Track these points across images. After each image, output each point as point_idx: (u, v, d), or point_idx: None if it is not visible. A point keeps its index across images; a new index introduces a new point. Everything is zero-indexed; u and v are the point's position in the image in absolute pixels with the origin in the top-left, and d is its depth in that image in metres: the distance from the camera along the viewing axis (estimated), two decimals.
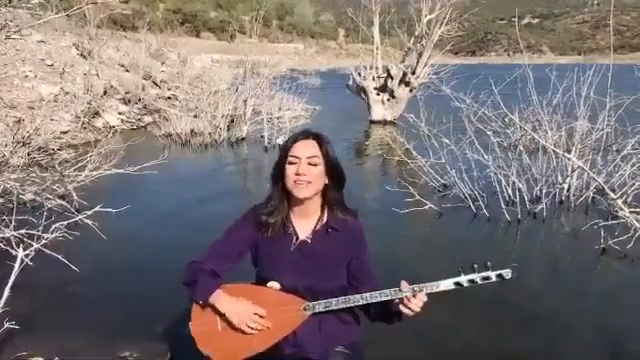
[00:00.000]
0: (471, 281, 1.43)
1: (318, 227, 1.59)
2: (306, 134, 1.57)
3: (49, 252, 3.63)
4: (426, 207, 4.98)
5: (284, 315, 1.48)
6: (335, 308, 1.48)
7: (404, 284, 1.43)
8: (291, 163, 1.52)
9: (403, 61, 12.82)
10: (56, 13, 15.90)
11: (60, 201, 4.90)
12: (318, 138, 1.56)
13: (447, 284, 1.44)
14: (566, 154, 4.58)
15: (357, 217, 1.64)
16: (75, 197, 5.00)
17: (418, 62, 12.41)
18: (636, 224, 3.88)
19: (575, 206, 5.28)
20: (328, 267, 1.56)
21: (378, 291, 1.45)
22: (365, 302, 1.46)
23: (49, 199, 4.84)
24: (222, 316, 1.49)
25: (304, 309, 1.49)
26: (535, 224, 4.87)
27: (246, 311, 1.48)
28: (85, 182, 5.39)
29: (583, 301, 3.39)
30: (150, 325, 2.91)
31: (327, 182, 1.57)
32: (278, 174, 1.56)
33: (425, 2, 12.22)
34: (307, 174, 1.49)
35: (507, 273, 1.43)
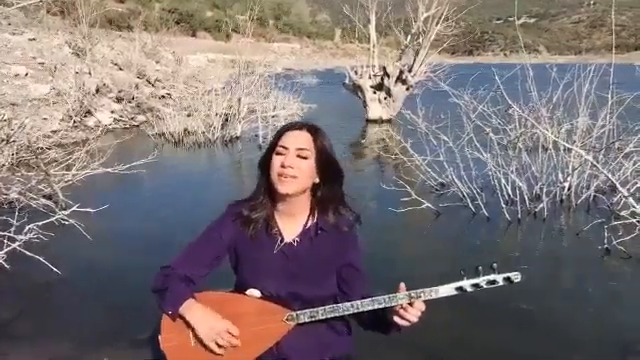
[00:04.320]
0: (475, 285, 1.27)
1: (306, 228, 1.43)
2: (300, 124, 1.42)
3: (31, 254, 3.50)
4: (423, 206, 4.84)
5: (265, 326, 1.32)
6: (322, 318, 1.33)
7: (402, 288, 1.28)
8: (279, 153, 1.37)
9: (400, 59, 12.70)
10: (48, 12, 15.72)
11: (45, 201, 4.75)
12: (312, 130, 1.40)
13: (448, 289, 1.28)
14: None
15: (357, 220, 1.48)
16: (61, 197, 4.84)
17: (415, 60, 12.29)
18: None
19: (576, 205, 5.14)
20: (316, 272, 1.40)
21: (370, 298, 1.30)
22: (355, 311, 1.31)
23: (34, 199, 4.68)
24: (194, 329, 1.33)
25: (287, 319, 1.33)
26: (536, 224, 4.74)
27: (217, 327, 1.31)
28: (73, 182, 5.25)
29: (586, 303, 3.25)
30: (133, 331, 2.76)
31: (317, 181, 1.40)
32: (265, 164, 1.41)
33: (422, 0, 12.11)
34: (293, 167, 1.33)
35: (516, 276, 1.28)
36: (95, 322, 2.88)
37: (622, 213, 4.33)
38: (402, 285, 1.29)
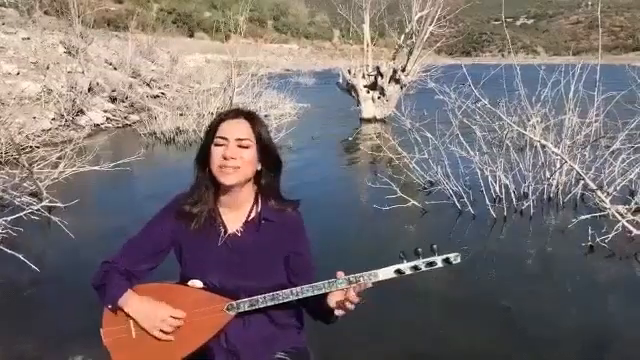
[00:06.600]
0: (414, 268, 1.26)
1: (250, 218, 1.40)
2: (236, 112, 1.38)
3: (11, 252, 3.48)
4: (409, 204, 4.82)
5: (205, 317, 1.30)
6: (262, 306, 1.30)
7: (339, 275, 1.26)
8: (218, 145, 1.33)
9: (394, 59, 12.69)
10: (44, 12, 15.69)
11: (29, 198, 4.73)
12: (250, 117, 1.37)
13: (387, 272, 1.26)
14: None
15: (296, 208, 1.44)
16: (45, 194, 4.82)
17: (408, 59, 12.29)
18: (618, 217, 3.75)
19: (563, 203, 5.13)
20: (261, 263, 1.37)
21: (309, 284, 1.27)
22: (295, 297, 1.28)
23: (17, 196, 4.66)
24: (135, 321, 1.31)
25: (227, 309, 1.30)
26: (522, 221, 4.73)
27: (159, 314, 1.29)
28: (59, 179, 5.23)
29: (569, 301, 3.25)
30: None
31: (259, 168, 1.38)
32: (203, 158, 1.36)
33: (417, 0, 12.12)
34: (235, 157, 1.31)
35: (455, 257, 1.26)
36: (73, 320, 2.85)
37: (607, 211, 4.32)
38: (340, 273, 1.27)
